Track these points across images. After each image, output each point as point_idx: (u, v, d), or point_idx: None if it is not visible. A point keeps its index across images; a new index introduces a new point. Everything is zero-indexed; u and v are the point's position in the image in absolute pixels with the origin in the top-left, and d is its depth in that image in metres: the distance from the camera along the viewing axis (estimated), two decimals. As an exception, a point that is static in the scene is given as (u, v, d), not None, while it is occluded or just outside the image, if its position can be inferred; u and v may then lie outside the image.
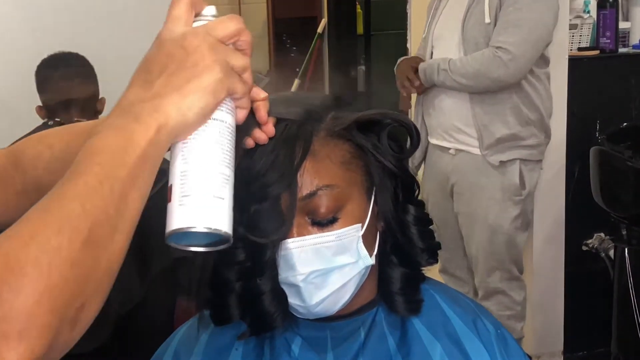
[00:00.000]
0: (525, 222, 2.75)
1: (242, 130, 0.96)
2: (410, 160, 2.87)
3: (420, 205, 1.10)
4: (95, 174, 0.69)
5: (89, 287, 0.67)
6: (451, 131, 2.74)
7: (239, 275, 1.02)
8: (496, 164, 2.65)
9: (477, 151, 2.69)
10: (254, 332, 1.06)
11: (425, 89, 2.77)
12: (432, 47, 2.79)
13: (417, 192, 1.10)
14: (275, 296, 1.01)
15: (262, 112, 0.93)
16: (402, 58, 2.92)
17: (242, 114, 0.85)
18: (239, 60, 0.81)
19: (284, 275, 1.00)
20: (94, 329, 2.34)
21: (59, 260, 0.63)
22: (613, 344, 2.99)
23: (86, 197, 0.67)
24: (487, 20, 2.60)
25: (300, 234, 0.99)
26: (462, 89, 2.64)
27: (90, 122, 1.06)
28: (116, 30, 2.84)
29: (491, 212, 2.68)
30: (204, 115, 0.78)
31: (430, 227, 1.11)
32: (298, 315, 1.04)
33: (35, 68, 2.26)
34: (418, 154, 2.86)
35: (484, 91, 2.63)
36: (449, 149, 2.76)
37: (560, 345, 3.23)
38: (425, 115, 2.85)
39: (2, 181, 1.02)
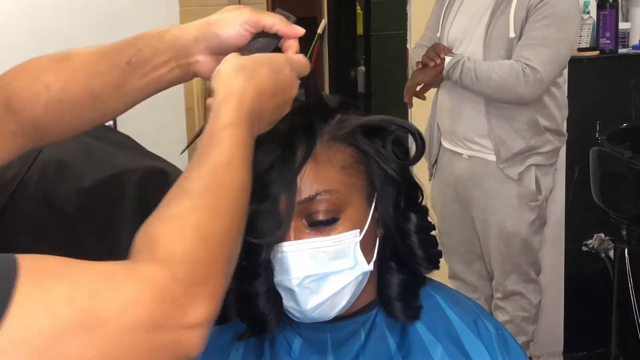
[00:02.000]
0: (541, 224, 2.72)
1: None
2: (426, 158, 2.85)
3: (423, 212, 1.09)
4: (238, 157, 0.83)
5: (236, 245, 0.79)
6: (466, 140, 2.68)
7: (234, 275, 1.02)
8: (515, 177, 2.60)
9: (492, 158, 2.63)
10: (252, 333, 1.06)
11: (438, 81, 2.65)
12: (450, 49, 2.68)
13: (420, 199, 1.09)
14: (270, 298, 1.01)
15: (295, 47, 0.96)
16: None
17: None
18: None
19: (279, 278, 0.99)
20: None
21: (236, 230, 0.78)
22: (613, 344, 2.99)
23: (237, 170, 0.81)
24: (512, 34, 2.53)
25: (297, 238, 0.99)
26: (478, 93, 2.57)
27: (85, 54, 1.00)
28: (116, 30, 2.84)
29: (508, 219, 2.63)
30: None
31: (432, 233, 1.11)
32: (294, 319, 1.04)
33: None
34: (433, 152, 2.80)
35: (499, 102, 2.56)
36: (462, 154, 2.71)
37: (560, 346, 3.23)
38: (439, 118, 2.78)
39: None
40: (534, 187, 2.63)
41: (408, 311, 1.07)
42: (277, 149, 0.98)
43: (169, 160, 2.20)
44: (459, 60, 2.55)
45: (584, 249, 3.20)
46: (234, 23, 0.91)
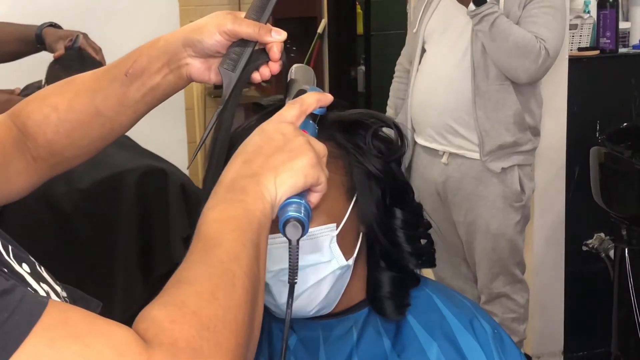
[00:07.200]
0: (525, 223, 2.72)
1: (251, 63, 0.98)
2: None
3: (413, 209, 1.08)
4: (234, 239, 0.75)
5: (254, 335, 0.74)
6: (445, 132, 2.63)
7: None
8: (497, 171, 2.58)
9: (473, 155, 2.60)
10: None
11: None
12: (424, 42, 2.68)
13: (411, 195, 1.09)
14: None
15: (275, 50, 0.97)
16: None
17: (315, 197, 0.86)
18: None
19: None
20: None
21: (241, 316, 0.70)
22: (613, 344, 2.99)
23: (239, 259, 0.73)
24: None
25: (271, 232, 0.99)
26: (487, 45, 2.49)
27: (87, 75, 1.05)
28: (116, 30, 2.84)
29: (494, 221, 2.61)
30: (291, 193, 0.82)
31: (423, 230, 1.10)
32: (273, 314, 1.04)
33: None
34: (407, 153, 2.72)
35: (500, 68, 2.50)
36: (440, 152, 2.66)
37: (560, 346, 3.23)
38: (412, 110, 2.71)
39: (18, 148, 1.03)
40: (518, 188, 2.62)
41: (398, 309, 1.07)
42: None
43: (169, 160, 2.20)
44: (490, 13, 2.46)
45: (584, 248, 3.20)
46: (214, 32, 0.97)
